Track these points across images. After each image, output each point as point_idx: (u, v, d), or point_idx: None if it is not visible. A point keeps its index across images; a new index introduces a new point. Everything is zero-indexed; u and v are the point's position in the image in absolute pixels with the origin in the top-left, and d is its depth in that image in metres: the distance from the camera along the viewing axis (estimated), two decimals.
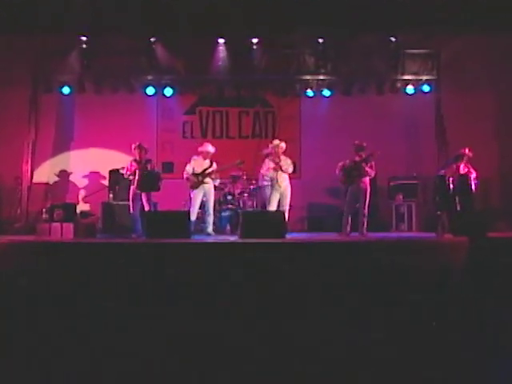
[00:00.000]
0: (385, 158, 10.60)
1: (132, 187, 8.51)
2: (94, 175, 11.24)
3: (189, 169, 9.07)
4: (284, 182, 8.95)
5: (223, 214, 9.90)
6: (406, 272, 5.31)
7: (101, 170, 11.11)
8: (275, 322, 4.46)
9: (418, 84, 11.02)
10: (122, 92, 11.04)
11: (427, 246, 6.94)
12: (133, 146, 8.62)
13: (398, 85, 11.02)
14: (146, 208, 8.44)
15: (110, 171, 10.40)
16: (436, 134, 10.98)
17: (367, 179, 8.54)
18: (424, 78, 10.96)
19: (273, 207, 8.87)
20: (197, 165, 9.07)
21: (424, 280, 5.38)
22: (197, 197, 8.99)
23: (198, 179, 9.00)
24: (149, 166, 8.56)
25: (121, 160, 10.58)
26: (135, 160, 8.61)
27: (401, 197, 10.38)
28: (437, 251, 6.66)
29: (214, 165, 9.18)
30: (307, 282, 5.20)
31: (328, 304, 4.71)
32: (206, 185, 9.02)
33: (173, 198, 9.61)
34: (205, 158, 9.10)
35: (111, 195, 10.12)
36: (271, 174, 8.92)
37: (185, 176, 9.11)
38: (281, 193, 8.92)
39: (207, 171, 9.06)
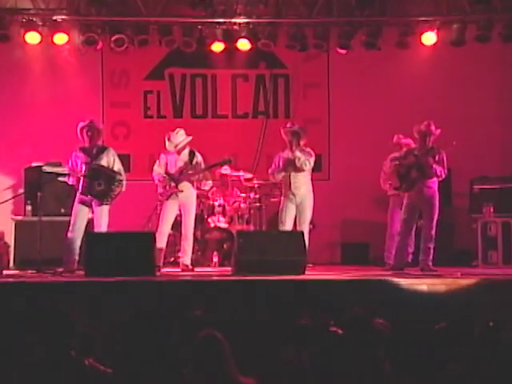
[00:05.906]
0: (464, 149, 10.52)
1: (78, 194, 8.57)
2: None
3: (158, 169, 9.18)
4: (302, 187, 9.14)
5: (208, 235, 9.94)
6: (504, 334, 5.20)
7: (11, 166, 11.04)
8: None
9: None
10: (44, 41, 10.84)
11: None
12: (79, 126, 8.62)
13: (488, 29, 10.90)
14: (98, 227, 8.54)
15: (27, 169, 10.37)
16: None
17: (435, 182, 8.69)
18: None
19: (287, 227, 9.09)
20: (170, 164, 9.17)
21: None
22: (169, 211, 9.07)
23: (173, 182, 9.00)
24: (104, 159, 8.61)
25: (45, 151, 10.58)
26: (83, 149, 8.65)
27: (491, 210, 10.31)
28: None
29: (199, 156, 9.18)
30: (339, 347, 5.09)
31: None
32: (182, 193, 9.05)
33: (129, 212, 9.64)
34: (179, 153, 9.15)
35: (29, 207, 10.12)
36: (280, 174, 9.14)
37: (155, 179, 9.15)
38: (297, 204, 9.15)
39: (187, 170, 9.07)
